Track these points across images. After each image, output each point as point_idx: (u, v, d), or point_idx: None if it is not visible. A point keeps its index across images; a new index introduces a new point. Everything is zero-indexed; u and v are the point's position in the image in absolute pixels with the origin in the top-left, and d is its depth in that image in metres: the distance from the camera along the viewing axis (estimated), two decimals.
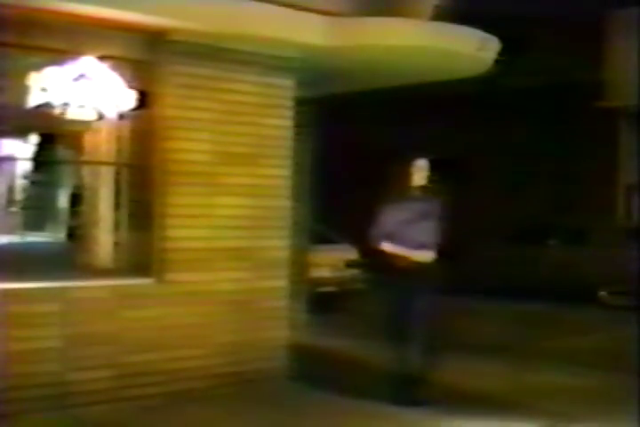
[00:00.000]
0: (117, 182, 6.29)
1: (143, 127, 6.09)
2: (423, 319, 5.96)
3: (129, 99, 5.89)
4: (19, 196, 10.72)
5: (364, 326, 8.73)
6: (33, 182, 10.60)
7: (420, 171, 6.20)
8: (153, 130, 6.05)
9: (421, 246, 6.08)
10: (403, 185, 6.17)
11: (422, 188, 6.21)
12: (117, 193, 6.28)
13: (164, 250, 6.01)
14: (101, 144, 6.29)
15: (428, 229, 6.12)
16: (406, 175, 6.18)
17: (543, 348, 8.39)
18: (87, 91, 5.72)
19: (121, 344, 5.75)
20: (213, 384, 6.09)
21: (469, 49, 6.73)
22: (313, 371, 6.68)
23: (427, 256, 6.11)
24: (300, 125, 6.83)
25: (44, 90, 5.61)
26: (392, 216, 6.08)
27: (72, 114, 5.75)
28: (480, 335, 8.76)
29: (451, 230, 6.29)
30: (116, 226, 6.28)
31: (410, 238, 6.04)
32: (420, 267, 6.05)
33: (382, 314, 6.12)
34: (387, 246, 6.09)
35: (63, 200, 9.88)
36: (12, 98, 5.71)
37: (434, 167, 6.29)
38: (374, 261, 6.38)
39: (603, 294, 11.92)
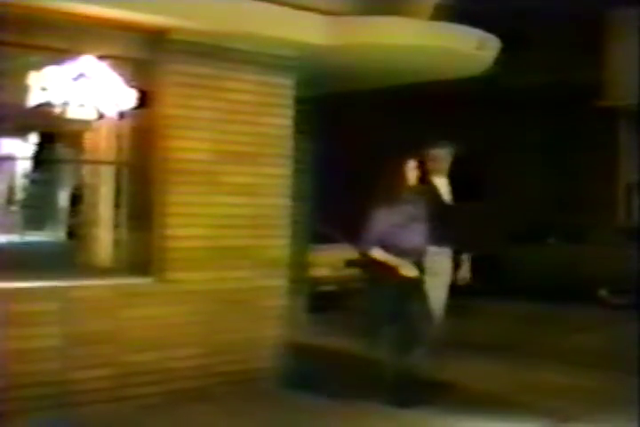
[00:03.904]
0: (117, 181, 6.29)
1: (143, 126, 6.09)
2: (418, 321, 5.98)
3: (129, 98, 5.89)
4: (18, 195, 10.71)
5: (363, 326, 8.73)
6: (33, 181, 10.58)
7: (411, 171, 6.11)
8: (153, 129, 6.05)
9: (414, 251, 6.04)
10: (394, 187, 6.07)
11: (412, 189, 6.13)
12: (117, 192, 6.28)
13: (163, 249, 6.01)
14: (101, 143, 6.30)
15: (420, 232, 6.06)
16: (397, 177, 6.09)
17: (543, 347, 8.39)
18: (87, 90, 5.72)
19: (121, 343, 5.75)
20: (212, 383, 6.10)
21: (469, 48, 6.74)
22: (312, 370, 6.69)
23: (416, 272, 6.04)
24: (299, 124, 6.83)
25: (44, 89, 5.61)
26: (384, 220, 5.98)
27: (72, 113, 5.75)
28: (479, 334, 8.76)
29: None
30: (116, 225, 6.28)
31: (402, 243, 5.99)
32: (409, 278, 6.01)
33: (374, 316, 6.13)
34: (377, 253, 6.02)
35: (63, 199, 9.86)
36: (12, 97, 5.71)
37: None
38: (365, 265, 6.33)
39: (602, 292, 11.92)
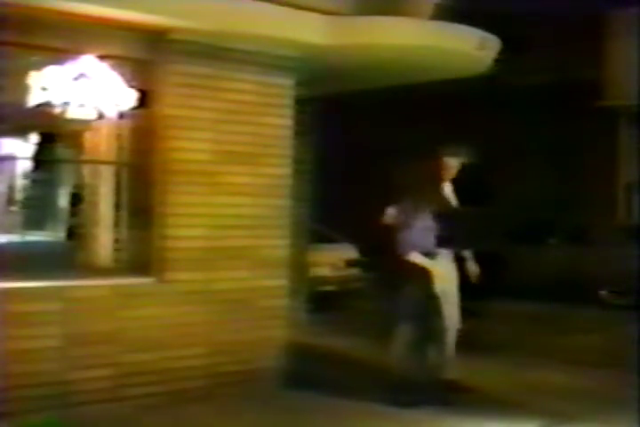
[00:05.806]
0: (117, 181, 6.28)
1: (143, 126, 6.09)
2: (437, 321, 6.08)
3: (129, 98, 5.89)
4: (19, 195, 10.71)
5: (364, 325, 8.74)
6: (33, 181, 10.58)
7: (433, 175, 6.23)
8: (153, 129, 6.05)
9: (431, 252, 6.09)
10: (424, 191, 6.17)
11: (432, 193, 6.25)
12: (117, 192, 6.27)
13: (163, 249, 6.01)
14: (101, 143, 6.29)
15: (433, 234, 6.15)
16: (425, 180, 6.18)
17: (543, 347, 8.39)
18: (87, 90, 5.72)
19: (120, 343, 5.75)
20: (213, 383, 6.10)
21: (469, 48, 6.74)
22: (313, 370, 6.69)
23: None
24: (299, 125, 6.83)
25: (44, 89, 5.61)
26: (418, 224, 6.08)
27: (72, 113, 5.75)
28: (479, 334, 8.75)
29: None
30: (117, 225, 6.28)
31: (425, 244, 6.06)
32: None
33: (391, 316, 6.14)
34: (417, 258, 6.07)
35: (63, 199, 9.86)
36: (12, 97, 5.70)
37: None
38: (395, 267, 6.33)
39: (603, 293, 11.91)
